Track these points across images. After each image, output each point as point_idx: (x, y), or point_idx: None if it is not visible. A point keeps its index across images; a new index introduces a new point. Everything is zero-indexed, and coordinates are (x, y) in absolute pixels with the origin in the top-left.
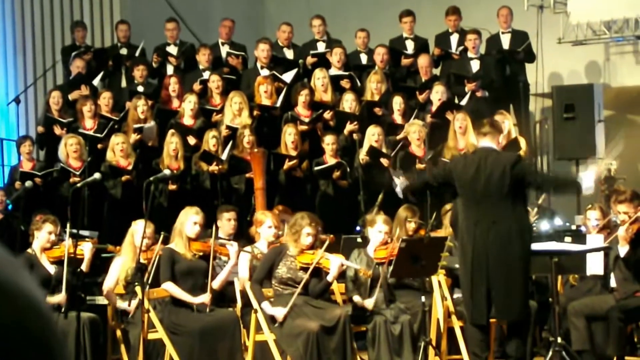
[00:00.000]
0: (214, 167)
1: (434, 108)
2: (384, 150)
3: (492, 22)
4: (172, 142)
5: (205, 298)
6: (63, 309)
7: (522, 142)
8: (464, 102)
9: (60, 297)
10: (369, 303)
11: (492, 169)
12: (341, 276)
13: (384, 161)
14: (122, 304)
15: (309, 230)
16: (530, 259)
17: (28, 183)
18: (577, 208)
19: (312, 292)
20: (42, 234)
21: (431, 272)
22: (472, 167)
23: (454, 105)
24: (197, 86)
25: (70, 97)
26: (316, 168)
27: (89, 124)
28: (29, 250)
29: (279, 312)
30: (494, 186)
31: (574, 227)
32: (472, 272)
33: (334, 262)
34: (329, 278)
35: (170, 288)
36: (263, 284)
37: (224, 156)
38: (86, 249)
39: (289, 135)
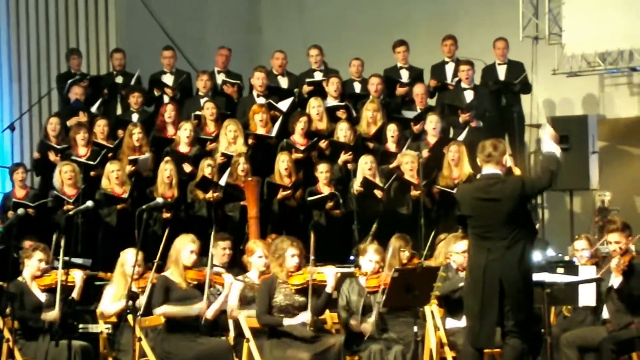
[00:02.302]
0: (210, 195)
1: (429, 137)
2: (377, 179)
3: (488, 51)
4: (166, 169)
5: (200, 307)
6: (55, 336)
7: (517, 173)
8: (462, 137)
9: (54, 313)
10: (366, 326)
11: (501, 196)
12: (334, 305)
13: (378, 192)
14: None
15: (292, 252)
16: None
17: (20, 210)
18: (570, 239)
19: (316, 310)
20: (33, 262)
21: (424, 302)
22: (481, 198)
23: (449, 141)
24: (193, 121)
25: (68, 123)
26: (309, 198)
27: (82, 152)
28: (20, 278)
29: (305, 317)
30: (505, 212)
31: (566, 258)
32: (483, 298)
33: (328, 273)
34: (328, 289)
35: (164, 309)
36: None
37: (222, 182)
38: (77, 277)
39: (282, 163)
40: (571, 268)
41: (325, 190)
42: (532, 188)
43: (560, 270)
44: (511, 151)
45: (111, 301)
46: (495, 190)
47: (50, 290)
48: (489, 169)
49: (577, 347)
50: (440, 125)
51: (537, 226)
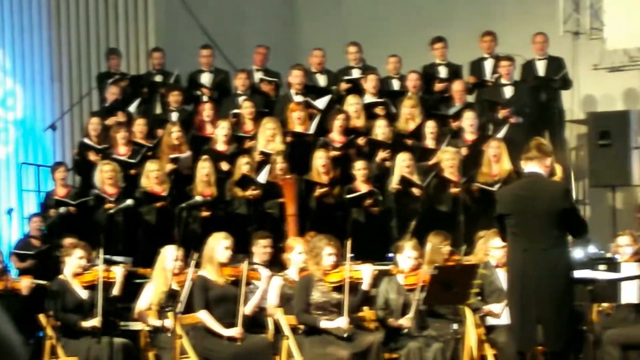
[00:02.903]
0: (250, 192)
1: (466, 135)
2: (415, 176)
3: (527, 47)
4: (203, 167)
5: (236, 332)
6: (96, 334)
7: (558, 169)
8: (501, 133)
9: (95, 321)
10: (404, 320)
11: (541, 196)
12: (372, 302)
13: (416, 190)
14: (154, 322)
15: (329, 250)
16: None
17: (62, 209)
18: (612, 235)
19: (352, 307)
20: (73, 260)
21: (464, 299)
22: (521, 194)
23: (488, 138)
24: (230, 119)
25: (107, 123)
26: (348, 196)
27: (122, 151)
28: (61, 276)
29: (342, 322)
30: (543, 213)
31: (608, 255)
32: (522, 300)
33: (365, 270)
34: (364, 287)
35: (204, 317)
36: (288, 311)
37: (261, 180)
38: (118, 273)
39: (319, 160)
40: (613, 265)
41: (362, 187)
42: (571, 204)
43: (602, 267)
44: (551, 148)
45: (149, 298)
46: (536, 189)
47: (91, 287)
48: (530, 168)
49: (620, 344)
50: (477, 122)
51: None
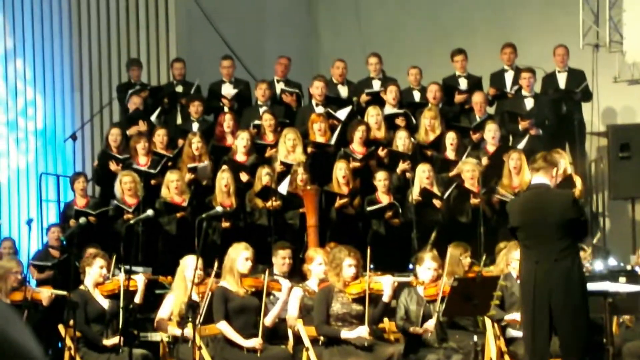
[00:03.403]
0: (270, 203)
1: (488, 146)
2: (435, 187)
3: (547, 59)
4: (223, 178)
5: (256, 343)
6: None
7: (578, 181)
8: (522, 144)
9: (115, 340)
10: (427, 327)
11: (550, 207)
12: (391, 314)
13: (437, 202)
14: (174, 330)
15: (350, 262)
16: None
17: (82, 220)
18: (632, 248)
19: (373, 318)
20: (94, 269)
21: (484, 311)
22: (529, 206)
23: (509, 149)
24: (251, 130)
25: (128, 132)
26: (368, 208)
27: (142, 161)
28: (82, 287)
29: (363, 331)
30: (552, 224)
31: (628, 267)
32: (534, 311)
33: (385, 282)
34: (385, 299)
35: (224, 328)
36: (308, 322)
37: (282, 190)
38: (139, 281)
39: (339, 171)
40: (633, 277)
41: (383, 198)
42: (579, 214)
43: (622, 279)
44: (572, 159)
45: (170, 308)
46: (543, 200)
47: (112, 296)
48: (537, 179)
49: None
50: (499, 134)
51: (599, 235)
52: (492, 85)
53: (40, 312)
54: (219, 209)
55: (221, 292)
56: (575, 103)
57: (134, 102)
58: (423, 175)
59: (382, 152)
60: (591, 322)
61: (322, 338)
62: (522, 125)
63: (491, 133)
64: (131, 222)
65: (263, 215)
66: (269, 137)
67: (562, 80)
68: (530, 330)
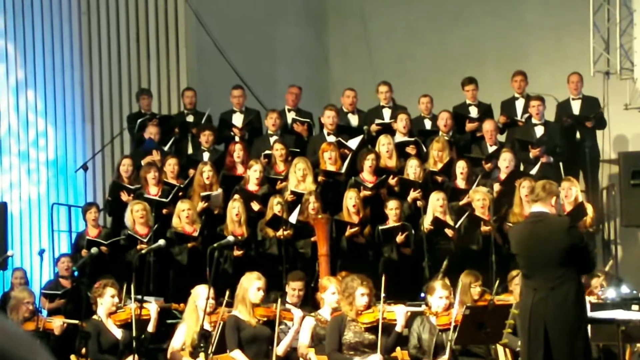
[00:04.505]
0: (281, 233)
1: (502, 175)
2: (447, 216)
3: (558, 87)
4: (234, 207)
5: None
6: None
7: (589, 209)
8: (534, 170)
9: None
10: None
11: (547, 235)
12: (404, 343)
13: (449, 231)
14: None
15: (362, 291)
16: (587, 323)
17: (94, 250)
18: None
19: (386, 349)
20: (106, 299)
21: (496, 339)
22: (526, 234)
23: (522, 174)
24: (262, 160)
25: (143, 162)
26: (380, 227)
27: (153, 191)
28: (95, 317)
29: (375, 359)
30: (550, 251)
31: None
32: (529, 339)
33: (399, 312)
34: (398, 329)
35: (237, 357)
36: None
37: (292, 220)
38: (152, 309)
39: (350, 200)
40: None
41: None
42: (579, 239)
43: (635, 307)
44: (584, 187)
45: (183, 338)
46: (540, 229)
47: (125, 325)
48: (535, 208)
49: None
50: (513, 164)
51: (611, 262)
52: (503, 113)
53: (52, 341)
54: (230, 238)
55: (233, 321)
56: (588, 130)
57: (150, 132)
58: (437, 203)
59: (392, 181)
60: (590, 348)
61: None
62: (533, 153)
63: (506, 162)
64: (143, 252)
65: (274, 244)
66: (280, 167)
67: (576, 107)
68: (526, 357)
